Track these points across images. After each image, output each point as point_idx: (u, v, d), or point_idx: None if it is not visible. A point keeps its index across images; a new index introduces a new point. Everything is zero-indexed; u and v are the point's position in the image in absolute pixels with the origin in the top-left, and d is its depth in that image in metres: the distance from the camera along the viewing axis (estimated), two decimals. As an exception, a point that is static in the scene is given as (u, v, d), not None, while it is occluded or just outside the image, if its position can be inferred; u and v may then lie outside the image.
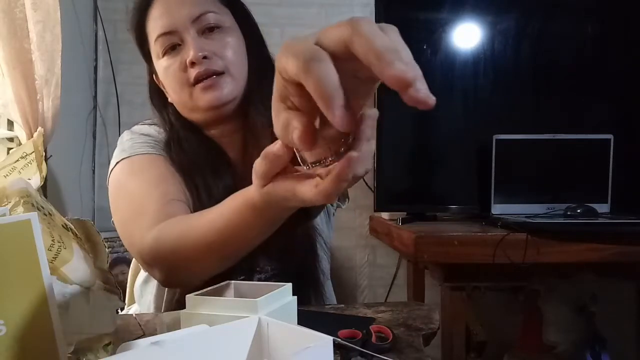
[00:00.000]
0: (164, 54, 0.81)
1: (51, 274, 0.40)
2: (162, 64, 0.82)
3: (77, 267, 0.48)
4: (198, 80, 0.78)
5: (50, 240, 0.44)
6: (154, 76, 0.91)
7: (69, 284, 0.47)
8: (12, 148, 1.63)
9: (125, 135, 0.90)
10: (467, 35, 1.99)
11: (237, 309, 0.48)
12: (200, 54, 0.76)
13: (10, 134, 1.64)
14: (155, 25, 0.81)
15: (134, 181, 0.79)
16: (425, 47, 1.98)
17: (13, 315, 0.36)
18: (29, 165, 1.45)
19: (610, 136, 1.84)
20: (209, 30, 0.79)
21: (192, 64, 0.77)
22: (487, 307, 2.09)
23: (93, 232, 0.53)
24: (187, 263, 0.65)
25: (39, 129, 1.52)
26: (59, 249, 0.45)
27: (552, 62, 1.99)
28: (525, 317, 2.02)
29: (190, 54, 0.77)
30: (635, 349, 2.12)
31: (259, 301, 0.48)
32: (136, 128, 0.92)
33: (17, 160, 1.43)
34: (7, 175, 1.35)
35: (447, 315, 1.56)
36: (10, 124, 1.65)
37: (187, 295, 0.52)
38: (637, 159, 1.95)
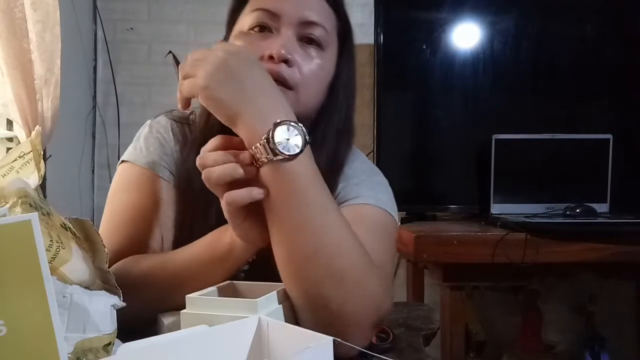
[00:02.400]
0: (251, 28, 0.72)
1: (50, 274, 0.40)
2: (241, 37, 0.73)
3: (76, 267, 0.48)
4: None
5: (48, 240, 0.44)
6: None
7: (69, 284, 0.47)
8: (11, 148, 1.63)
9: (144, 131, 0.82)
10: (466, 35, 1.99)
11: (237, 309, 0.48)
12: (283, 52, 0.67)
13: (9, 133, 1.64)
14: None
15: (120, 201, 0.75)
16: (425, 47, 1.98)
17: (13, 316, 0.36)
18: (27, 164, 1.44)
19: (609, 136, 1.84)
20: (307, 41, 0.72)
21: (270, 58, 0.68)
22: (486, 307, 2.10)
23: (92, 232, 0.53)
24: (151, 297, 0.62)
25: (37, 127, 1.52)
26: (58, 249, 0.45)
27: (552, 62, 1.99)
28: (524, 317, 2.02)
29: (275, 47, 0.68)
30: (634, 348, 2.12)
31: (259, 301, 0.48)
32: (158, 126, 0.82)
33: (15, 160, 1.42)
34: (5, 175, 1.35)
35: (446, 315, 1.56)
36: (9, 123, 1.65)
37: (187, 296, 0.51)
38: (637, 159, 1.95)
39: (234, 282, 0.58)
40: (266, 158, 0.53)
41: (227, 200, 0.54)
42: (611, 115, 2.02)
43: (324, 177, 0.69)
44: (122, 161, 0.78)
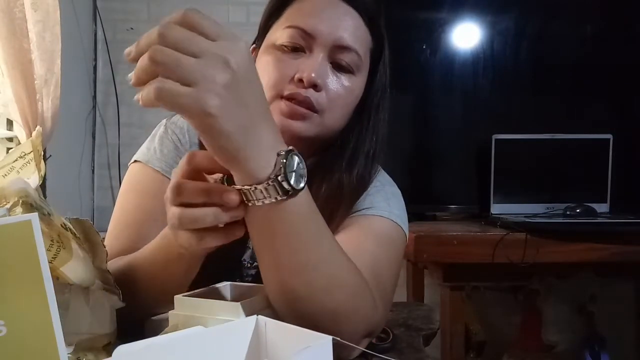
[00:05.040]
0: (283, 44, 0.70)
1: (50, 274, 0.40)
2: (272, 51, 0.71)
3: (77, 267, 0.48)
4: (290, 98, 0.67)
5: (49, 240, 0.44)
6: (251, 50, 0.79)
7: (69, 284, 0.47)
8: (11, 148, 1.63)
9: (159, 132, 0.80)
10: (466, 35, 1.99)
11: (220, 311, 0.47)
12: (314, 76, 0.66)
13: (9, 133, 1.64)
14: (299, 15, 0.70)
15: (129, 202, 0.75)
16: (424, 47, 1.98)
17: (13, 316, 0.36)
18: (28, 164, 1.45)
19: (609, 136, 1.84)
20: (338, 64, 0.70)
21: (300, 81, 0.67)
22: (486, 307, 2.10)
23: (92, 232, 0.53)
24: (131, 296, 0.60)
25: (37, 128, 1.52)
26: (58, 249, 0.45)
27: (552, 62, 1.99)
28: (524, 316, 2.02)
29: (306, 70, 0.66)
30: (634, 348, 2.12)
31: (242, 304, 0.47)
32: (174, 127, 0.79)
33: (16, 160, 1.42)
34: (5, 175, 1.35)
35: (446, 315, 1.55)
36: (9, 123, 1.65)
37: (175, 296, 0.51)
38: (636, 159, 1.95)
39: (232, 283, 0.57)
40: (275, 198, 0.44)
41: (189, 231, 0.46)
42: (611, 115, 2.02)
43: (350, 198, 0.70)
44: (135, 160, 0.77)
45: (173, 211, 0.46)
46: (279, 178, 0.44)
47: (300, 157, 0.46)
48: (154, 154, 0.76)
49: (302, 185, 0.46)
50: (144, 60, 0.39)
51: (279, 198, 0.44)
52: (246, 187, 0.44)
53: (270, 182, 0.44)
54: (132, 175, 0.77)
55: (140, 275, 0.59)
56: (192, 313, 0.49)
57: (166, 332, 0.49)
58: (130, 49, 0.41)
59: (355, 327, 0.54)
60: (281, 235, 0.47)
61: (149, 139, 0.80)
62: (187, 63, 0.39)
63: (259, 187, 0.44)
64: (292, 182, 0.44)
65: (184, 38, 0.40)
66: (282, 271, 0.49)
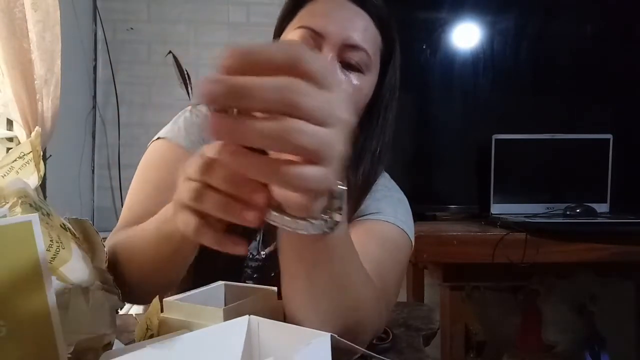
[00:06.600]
0: None
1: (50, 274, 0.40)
2: None
3: (76, 267, 0.48)
4: None
5: (48, 240, 0.44)
6: None
7: (69, 284, 0.47)
8: (11, 148, 1.63)
9: (185, 115, 0.79)
10: (466, 35, 1.99)
11: (203, 316, 0.47)
12: None
13: (9, 133, 1.64)
14: (310, 16, 0.72)
15: (150, 176, 0.74)
16: (424, 46, 1.98)
17: (13, 316, 0.36)
18: (27, 165, 1.44)
19: (609, 136, 1.84)
20: (347, 63, 0.71)
21: None
22: (486, 307, 2.09)
23: (91, 232, 0.53)
24: (132, 279, 0.59)
25: (37, 128, 1.51)
26: (58, 249, 0.45)
27: (552, 62, 1.99)
28: (524, 317, 2.02)
29: None
30: (634, 348, 2.12)
31: (225, 310, 0.46)
32: (200, 113, 0.79)
33: (15, 160, 1.42)
34: (4, 175, 1.35)
35: (446, 315, 1.55)
36: (9, 123, 1.65)
37: (164, 299, 0.51)
38: (636, 159, 1.95)
39: (225, 282, 0.57)
40: (329, 228, 0.38)
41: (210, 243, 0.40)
42: (611, 115, 2.02)
43: (355, 197, 0.71)
44: (158, 138, 0.77)
45: (186, 183, 0.40)
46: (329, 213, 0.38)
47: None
48: (178, 132, 0.76)
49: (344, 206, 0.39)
50: (269, 85, 0.30)
51: (340, 222, 0.38)
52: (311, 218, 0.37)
53: (326, 217, 0.38)
54: (155, 150, 0.77)
55: (137, 249, 0.59)
56: (178, 317, 0.48)
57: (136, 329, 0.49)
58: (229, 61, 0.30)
59: (366, 337, 0.55)
60: (325, 260, 0.44)
61: (171, 122, 0.80)
62: (329, 100, 0.32)
63: (325, 215, 0.37)
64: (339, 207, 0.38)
65: (325, 71, 0.32)
66: (316, 294, 0.47)
